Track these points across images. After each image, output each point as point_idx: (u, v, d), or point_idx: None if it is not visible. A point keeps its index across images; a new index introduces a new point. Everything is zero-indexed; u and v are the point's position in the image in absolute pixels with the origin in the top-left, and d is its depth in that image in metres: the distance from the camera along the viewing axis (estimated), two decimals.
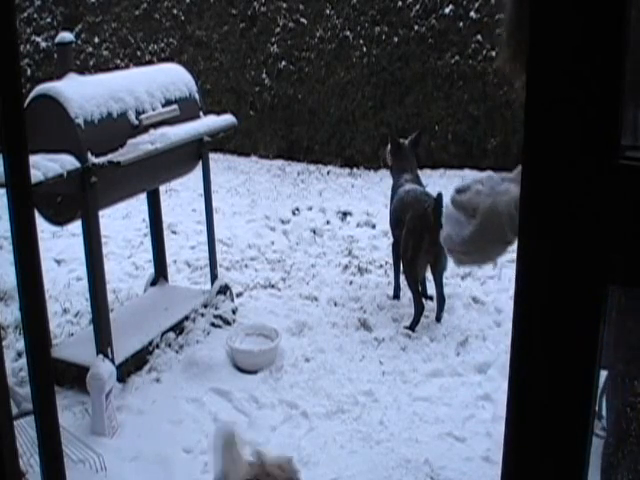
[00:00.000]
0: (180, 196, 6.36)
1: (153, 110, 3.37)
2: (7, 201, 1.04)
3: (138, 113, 3.28)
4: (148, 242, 4.38)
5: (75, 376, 3.19)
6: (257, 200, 6.40)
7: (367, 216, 5.80)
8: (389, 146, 4.41)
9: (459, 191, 1.61)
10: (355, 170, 7.22)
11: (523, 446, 0.69)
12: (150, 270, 4.38)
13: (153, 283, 4.19)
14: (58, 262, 4.91)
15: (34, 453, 2.51)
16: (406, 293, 4.23)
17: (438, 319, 4.01)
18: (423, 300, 4.03)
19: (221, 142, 7.15)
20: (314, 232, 5.50)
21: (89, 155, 2.96)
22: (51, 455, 1.13)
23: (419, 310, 3.95)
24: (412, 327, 3.91)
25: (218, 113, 3.93)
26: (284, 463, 2.09)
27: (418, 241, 3.87)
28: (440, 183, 6.60)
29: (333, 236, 5.42)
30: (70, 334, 3.83)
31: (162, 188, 4.38)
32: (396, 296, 4.32)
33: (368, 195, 6.38)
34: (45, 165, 2.75)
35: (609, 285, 0.63)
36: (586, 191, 0.61)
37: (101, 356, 3.11)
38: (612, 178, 0.60)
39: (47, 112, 2.98)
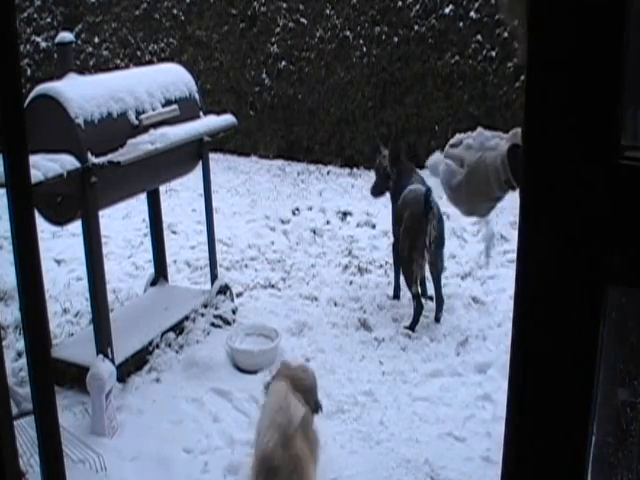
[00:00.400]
0: (180, 196, 6.36)
1: (153, 110, 3.37)
2: (7, 201, 1.04)
3: (138, 113, 3.28)
4: (148, 242, 4.38)
5: (75, 376, 3.19)
6: (257, 200, 6.40)
7: (367, 216, 5.80)
8: (386, 151, 4.37)
9: (452, 145, 1.69)
10: (355, 170, 7.22)
11: (523, 446, 0.69)
12: (150, 270, 4.38)
13: (153, 283, 4.19)
14: (58, 262, 4.91)
15: (34, 453, 2.51)
16: (406, 293, 4.23)
17: (437, 319, 4.01)
18: (422, 300, 4.03)
19: (221, 142, 7.15)
20: (314, 232, 5.50)
21: (89, 155, 2.96)
22: (51, 455, 1.13)
23: (418, 310, 3.95)
24: (412, 327, 3.91)
25: (218, 113, 3.93)
26: (304, 367, 2.80)
27: (415, 240, 3.87)
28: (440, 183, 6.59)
29: (333, 236, 5.42)
30: (70, 334, 3.83)
31: (162, 188, 4.38)
32: (396, 296, 4.32)
33: (368, 195, 6.35)
34: (45, 165, 2.75)
35: (609, 285, 0.63)
36: (586, 191, 0.61)
37: (101, 356, 3.10)
38: (612, 178, 0.60)
39: (47, 112, 2.98)
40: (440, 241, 3.96)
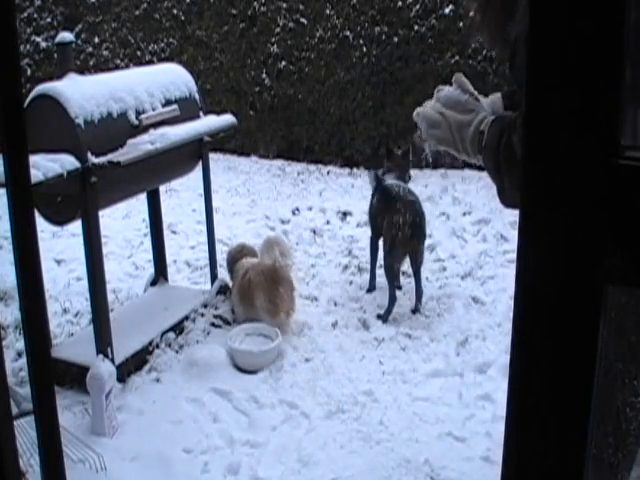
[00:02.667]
0: (180, 196, 6.36)
1: (153, 110, 3.37)
2: (7, 201, 1.04)
3: (138, 113, 3.28)
4: (148, 242, 4.38)
5: (75, 376, 3.19)
6: (257, 200, 6.40)
7: (367, 216, 5.79)
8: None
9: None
10: (355, 170, 7.22)
11: (523, 446, 0.69)
12: (150, 270, 4.38)
13: (153, 283, 4.19)
14: (58, 262, 4.91)
15: (34, 453, 2.51)
16: (406, 293, 4.23)
17: (415, 310, 4.12)
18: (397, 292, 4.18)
19: (221, 142, 7.15)
20: (314, 232, 5.50)
21: (89, 155, 2.96)
22: (51, 455, 1.13)
23: (392, 301, 4.05)
24: (384, 318, 4.01)
25: (218, 113, 3.93)
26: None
27: (397, 233, 3.99)
28: (441, 183, 6.61)
29: (333, 236, 5.42)
30: (70, 334, 3.83)
31: (162, 188, 4.38)
32: (371, 288, 4.40)
33: (368, 195, 6.35)
34: (45, 165, 2.75)
35: (609, 285, 0.63)
36: (586, 191, 0.61)
37: (101, 356, 3.11)
38: (612, 178, 0.60)
39: (47, 112, 2.98)
40: (420, 235, 4.07)
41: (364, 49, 7.13)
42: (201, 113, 3.77)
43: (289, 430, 3.05)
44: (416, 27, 6.91)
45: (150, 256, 4.30)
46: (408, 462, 2.84)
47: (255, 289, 3.80)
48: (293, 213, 5.99)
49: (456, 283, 4.52)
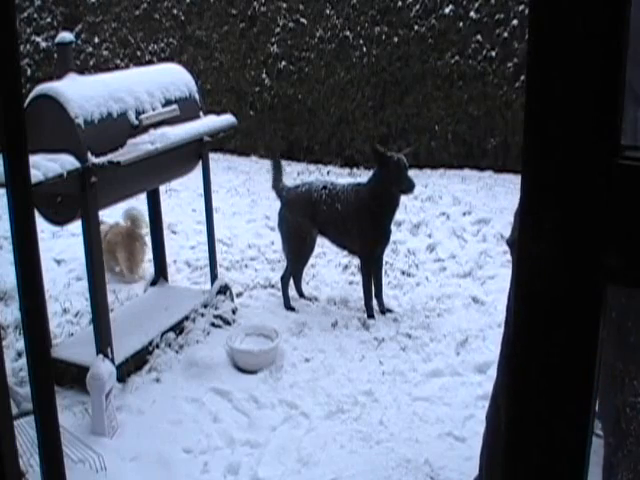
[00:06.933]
0: (180, 196, 6.36)
1: (153, 110, 3.37)
2: (7, 201, 1.04)
3: (138, 113, 3.28)
4: (148, 242, 4.38)
5: (75, 376, 3.19)
6: (257, 200, 6.40)
7: None
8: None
9: None
10: (355, 170, 7.22)
11: (522, 446, 0.69)
12: (150, 270, 4.38)
13: (153, 283, 4.19)
14: (58, 262, 4.91)
15: (34, 453, 2.51)
16: (406, 293, 4.22)
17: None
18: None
19: (221, 142, 7.16)
20: None
21: (89, 155, 2.96)
22: (51, 455, 1.13)
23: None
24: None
25: (218, 113, 3.93)
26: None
27: None
28: (440, 183, 6.61)
29: None
30: (70, 334, 3.83)
31: (162, 188, 4.38)
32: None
33: None
34: (45, 165, 2.75)
35: (608, 286, 0.63)
36: (585, 191, 0.61)
37: (101, 356, 3.10)
38: (612, 178, 0.60)
39: (47, 112, 2.98)
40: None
41: (364, 49, 7.13)
42: (201, 113, 3.77)
43: (289, 430, 3.05)
44: (416, 27, 6.91)
45: (150, 256, 4.30)
46: (408, 462, 2.85)
47: (116, 245, 4.51)
48: None
49: (456, 283, 4.52)
